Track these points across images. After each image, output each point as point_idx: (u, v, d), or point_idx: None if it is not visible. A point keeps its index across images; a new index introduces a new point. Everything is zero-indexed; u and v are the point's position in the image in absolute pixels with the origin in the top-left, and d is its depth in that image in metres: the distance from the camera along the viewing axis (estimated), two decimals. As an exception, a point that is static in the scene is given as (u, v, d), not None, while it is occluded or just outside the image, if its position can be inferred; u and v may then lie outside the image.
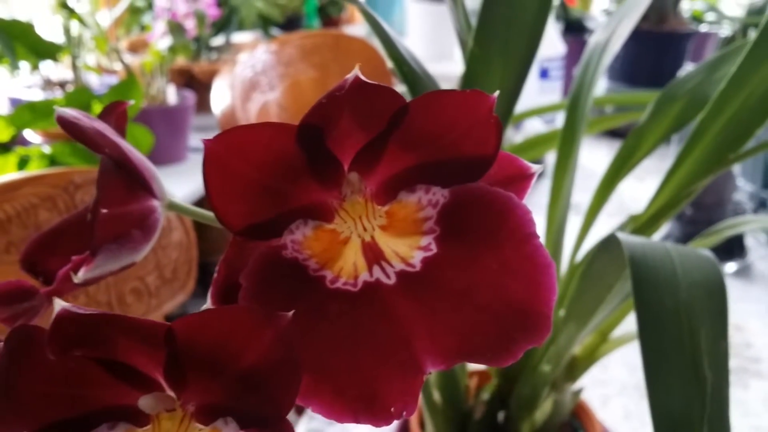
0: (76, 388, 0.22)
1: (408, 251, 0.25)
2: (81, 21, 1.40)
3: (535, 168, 0.25)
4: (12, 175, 0.70)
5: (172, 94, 1.60)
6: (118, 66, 1.62)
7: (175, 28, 1.55)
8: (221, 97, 0.93)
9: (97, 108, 1.35)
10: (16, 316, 0.31)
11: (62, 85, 1.61)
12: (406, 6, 2.02)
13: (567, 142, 0.58)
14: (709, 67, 0.55)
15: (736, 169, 1.10)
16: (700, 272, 0.39)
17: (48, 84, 1.53)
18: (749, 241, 1.15)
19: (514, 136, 1.42)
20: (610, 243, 0.45)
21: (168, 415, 0.23)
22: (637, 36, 1.44)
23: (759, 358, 0.96)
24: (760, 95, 0.46)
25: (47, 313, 0.31)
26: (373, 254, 0.25)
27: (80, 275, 0.28)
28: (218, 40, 1.76)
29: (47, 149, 1.23)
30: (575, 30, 1.70)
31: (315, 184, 0.25)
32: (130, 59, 1.64)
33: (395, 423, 0.67)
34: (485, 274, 0.24)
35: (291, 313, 0.21)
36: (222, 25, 1.72)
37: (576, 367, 0.63)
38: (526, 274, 0.23)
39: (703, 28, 1.49)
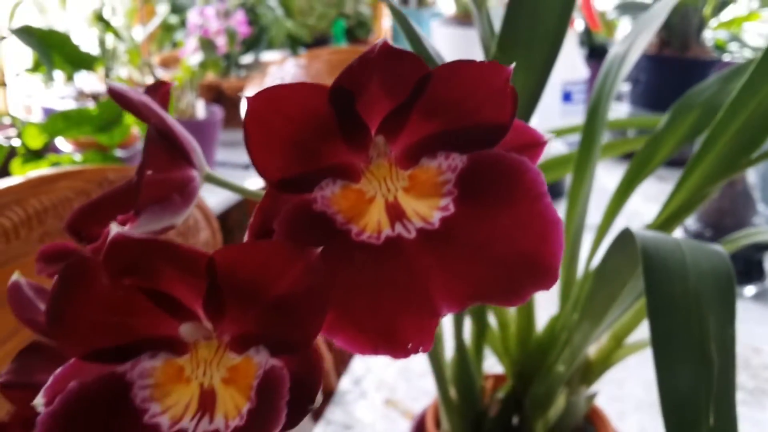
0: (123, 318, 0.24)
1: (428, 211, 0.27)
2: (116, 34, 1.44)
3: (547, 136, 0.27)
4: (50, 169, 0.73)
5: (201, 109, 1.64)
6: (149, 80, 1.66)
7: (207, 44, 1.59)
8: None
9: (129, 119, 1.39)
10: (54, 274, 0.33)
11: (95, 96, 1.65)
12: (432, 31, 2.05)
13: (584, 151, 0.60)
14: (724, 79, 0.56)
15: (757, 193, 1.11)
16: (709, 263, 0.40)
17: (81, 95, 1.57)
18: (768, 266, 1.16)
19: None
20: (624, 239, 0.46)
21: (205, 344, 0.25)
22: (660, 62, 1.46)
23: (775, 380, 0.96)
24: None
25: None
26: (396, 213, 0.27)
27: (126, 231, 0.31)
28: (247, 58, 1.80)
29: (78, 157, 1.27)
30: (599, 55, 1.72)
31: (344, 146, 0.27)
32: (162, 74, 1.68)
33: (412, 421, 0.68)
34: (499, 230, 0.25)
35: (320, 249, 0.23)
36: (252, 44, 1.76)
37: (591, 372, 0.64)
38: (537, 229, 0.25)
39: (726, 57, 1.51)
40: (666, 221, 0.53)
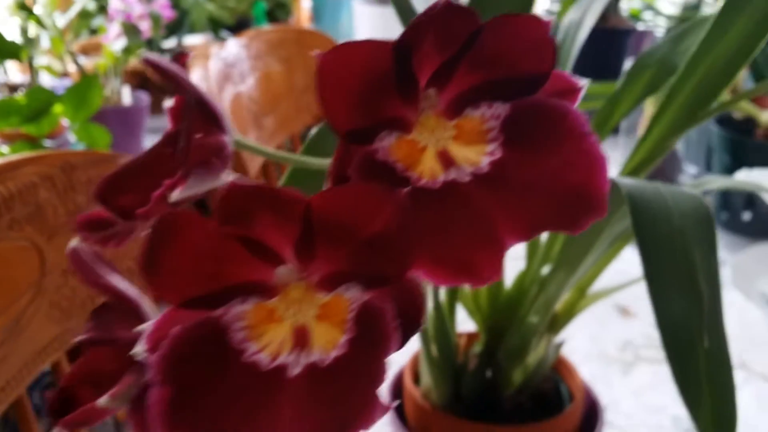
0: (215, 266, 0.26)
1: (476, 157, 0.29)
2: (39, 23, 1.41)
3: (582, 82, 0.30)
4: (12, 156, 0.72)
5: (126, 95, 1.61)
6: (71, 68, 1.62)
7: (130, 29, 1.57)
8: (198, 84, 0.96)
9: (57, 109, 1.36)
10: (105, 239, 0.34)
11: (14, 88, 1.60)
12: (354, 9, 2.07)
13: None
14: (674, 39, 0.61)
15: (681, 152, 1.17)
16: (689, 204, 0.44)
17: (4, 86, 1.52)
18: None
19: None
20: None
21: (294, 285, 0.26)
22: (580, 33, 1.51)
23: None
24: (726, 59, 0.52)
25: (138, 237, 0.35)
26: (446, 160, 0.29)
27: (175, 195, 0.32)
28: (170, 43, 1.78)
29: (5, 149, 1.24)
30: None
31: (399, 99, 0.29)
32: (84, 61, 1.64)
33: (390, 376, 0.71)
34: (548, 168, 0.28)
35: (406, 190, 0.25)
36: (174, 28, 1.74)
37: (556, 322, 0.68)
38: (585, 164, 0.28)
39: (641, 26, 1.58)
40: (632, 172, 0.57)
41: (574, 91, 0.30)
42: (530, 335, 0.63)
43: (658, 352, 0.97)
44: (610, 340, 0.99)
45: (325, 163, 0.38)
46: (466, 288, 0.69)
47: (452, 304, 0.68)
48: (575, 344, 1.00)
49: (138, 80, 1.66)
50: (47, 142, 1.38)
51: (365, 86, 0.27)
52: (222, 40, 2.01)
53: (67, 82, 1.60)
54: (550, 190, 0.28)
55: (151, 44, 1.68)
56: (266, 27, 1.25)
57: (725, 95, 1.06)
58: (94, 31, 1.87)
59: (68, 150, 0.74)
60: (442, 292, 0.67)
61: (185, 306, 0.26)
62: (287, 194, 0.24)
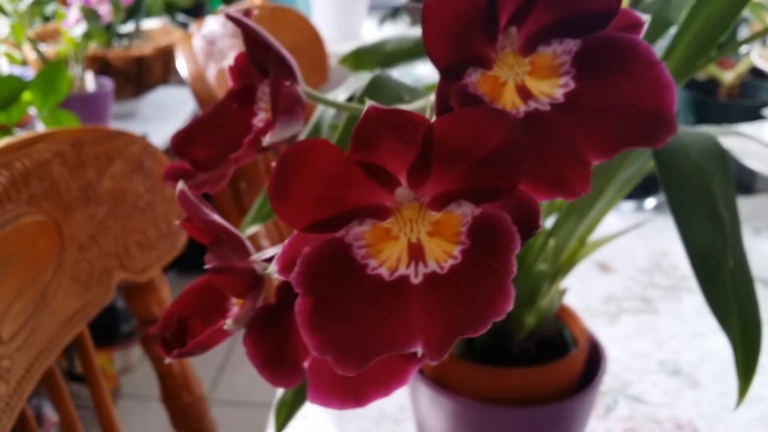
0: (339, 190, 0.28)
1: (550, 89, 0.32)
2: (2, 10, 1.39)
3: (645, 17, 0.34)
4: (26, 132, 0.73)
5: (90, 81, 1.61)
6: (33, 55, 1.61)
7: (90, 14, 1.56)
8: (187, 63, 0.98)
9: (27, 96, 1.35)
10: (199, 184, 0.37)
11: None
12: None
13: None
14: (664, -3, 0.65)
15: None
16: (703, 142, 0.48)
17: (-34, 75, 1.50)
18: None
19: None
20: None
21: (407, 206, 0.29)
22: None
23: (686, 276, 1.08)
24: (721, 10, 0.56)
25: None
26: (525, 93, 0.32)
27: (267, 139, 0.34)
28: (128, 27, 1.77)
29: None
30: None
31: (483, 38, 0.32)
32: (44, 48, 1.63)
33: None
34: (621, 94, 0.31)
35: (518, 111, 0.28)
36: (131, 12, 1.73)
37: (560, 270, 0.72)
38: (656, 88, 0.31)
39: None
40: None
41: (638, 25, 0.34)
42: (540, 282, 0.67)
43: (638, 304, 1.02)
44: (594, 295, 1.03)
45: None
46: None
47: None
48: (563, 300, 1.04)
49: (99, 66, 1.65)
50: (17, 131, 1.37)
51: (461, 25, 0.30)
52: (179, 23, 2.01)
53: (28, 71, 1.59)
54: (626, 112, 0.31)
55: (110, 29, 1.67)
56: (242, 4, 1.26)
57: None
58: (47, 19, 1.84)
59: (79, 127, 0.75)
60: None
61: (310, 230, 0.29)
62: (414, 117, 0.27)
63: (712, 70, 1.22)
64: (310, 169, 0.28)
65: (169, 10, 1.92)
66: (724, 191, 0.46)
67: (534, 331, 0.71)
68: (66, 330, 0.69)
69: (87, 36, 1.58)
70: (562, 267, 0.72)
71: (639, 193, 1.21)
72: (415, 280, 0.29)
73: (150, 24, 1.88)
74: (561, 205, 0.65)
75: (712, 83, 1.26)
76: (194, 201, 0.33)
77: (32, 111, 1.42)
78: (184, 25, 1.98)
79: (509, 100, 0.32)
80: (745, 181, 1.23)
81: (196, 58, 0.97)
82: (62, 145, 0.71)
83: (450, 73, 0.31)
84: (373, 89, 0.44)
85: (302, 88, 0.39)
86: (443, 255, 0.29)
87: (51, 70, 1.36)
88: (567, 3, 0.32)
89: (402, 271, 0.29)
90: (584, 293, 1.04)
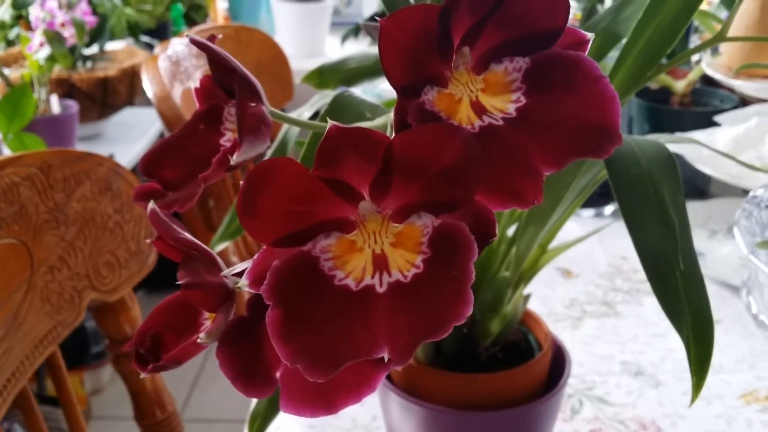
0: (305, 205, 0.30)
1: (504, 105, 0.34)
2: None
3: (589, 35, 0.36)
4: (-9, 157, 0.74)
5: (55, 104, 1.61)
6: (-5, 80, 1.60)
7: (54, 37, 1.56)
8: (152, 84, 0.99)
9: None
10: (169, 204, 0.38)
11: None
12: (273, 6, 2.10)
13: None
14: (616, 9, 0.67)
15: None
16: (652, 149, 0.50)
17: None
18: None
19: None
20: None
21: (371, 218, 0.31)
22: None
23: (645, 280, 1.10)
24: (668, 23, 0.59)
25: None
26: (480, 109, 0.34)
27: (235, 158, 0.36)
28: (92, 50, 1.78)
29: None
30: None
31: (438, 58, 0.34)
32: (7, 72, 1.63)
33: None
34: (569, 109, 0.33)
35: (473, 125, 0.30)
36: (95, 34, 1.74)
37: (522, 277, 0.74)
38: (601, 102, 0.33)
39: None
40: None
41: (583, 43, 0.36)
42: (504, 289, 0.69)
43: (600, 307, 1.04)
44: (557, 300, 1.06)
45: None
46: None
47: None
48: (528, 305, 1.07)
49: (64, 89, 1.65)
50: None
51: (417, 46, 0.32)
52: (143, 44, 2.01)
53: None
54: (574, 125, 0.33)
55: (74, 51, 1.67)
56: (207, 25, 1.27)
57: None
58: (10, 43, 1.84)
59: (45, 150, 0.76)
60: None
61: (278, 244, 0.30)
62: (374, 135, 0.29)
63: (665, 79, 1.26)
64: (276, 186, 0.30)
65: (133, 31, 1.92)
66: (674, 196, 0.48)
67: (499, 336, 0.72)
68: (38, 351, 0.69)
69: (51, 59, 1.58)
70: (525, 274, 0.74)
71: (597, 200, 1.24)
72: (380, 290, 0.30)
73: (115, 46, 1.88)
74: (521, 214, 0.67)
75: (665, 92, 1.29)
76: (165, 220, 0.34)
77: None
78: (149, 46, 1.99)
79: (465, 116, 0.34)
80: (700, 186, 1.26)
81: (162, 78, 0.98)
82: (30, 169, 0.72)
83: (407, 92, 0.33)
84: (335, 107, 0.46)
85: (267, 108, 0.40)
86: (406, 264, 0.31)
87: (15, 94, 1.36)
88: (515, 23, 0.34)
89: (367, 281, 0.31)
90: (548, 298, 1.06)
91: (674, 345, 0.96)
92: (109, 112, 1.74)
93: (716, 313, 1.00)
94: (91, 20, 1.62)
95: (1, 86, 1.58)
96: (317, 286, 0.30)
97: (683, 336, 0.45)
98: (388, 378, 0.73)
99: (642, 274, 1.11)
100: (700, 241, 1.16)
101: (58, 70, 1.67)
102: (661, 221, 0.47)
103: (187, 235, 0.35)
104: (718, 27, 0.78)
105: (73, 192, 0.76)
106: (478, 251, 0.30)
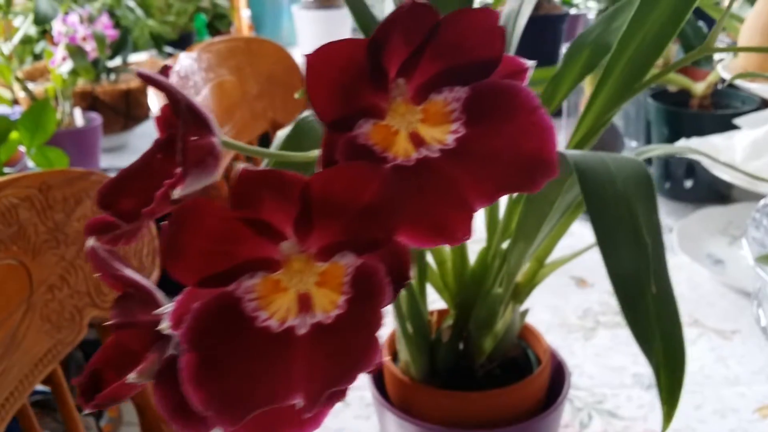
0: (226, 246, 0.30)
1: (442, 135, 0.34)
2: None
3: (529, 63, 0.35)
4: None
5: (78, 117, 1.63)
6: (21, 94, 1.63)
7: (76, 51, 1.59)
8: (158, 99, 1.00)
9: (14, 136, 1.38)
10: (115, 239, 0.38)
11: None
12: (294, 14, 2.10)
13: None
14: (607, 19, 0.66)
15: (621, 128, 1.23)
16: (629, 169, 0.49)
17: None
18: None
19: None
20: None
21: (295, 258, 0.31)
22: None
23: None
24: (654, 34, 0.58)
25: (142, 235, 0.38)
26: (418, 140, 0.34)
27: (177, 192, 0.36)
28: (115, 62, 1.80)
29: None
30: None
31: (372, 90, 0.33)
32: (32, 87, 1.65)
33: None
34: (505, 140, 0.33)
35: (389, 166, 0.29)
36: (118, 47, 1.76)
37: (519, 292, 0.73)
38: (537, 134, 0.32)
39: (573, 10, 1.65)
40: (577, 146, 0.62)
41: (522, 71, 0.35)
42: (497, 305, 0.68)
43: (615, 317, 1.02)
44: (570, 310, 1.04)
45: (302, 156, 0.42)
46: (434, 268, 0.74)
47: (422, 284, 0.72)
48: (539, 316, 1.05)
49: (88, 101, 1.67)
50: (6, 170, 1.39)
51: (345, 79, 0.32)
52: (167, 55, 2.04)
53: (18, 110, 1.61)
54: (509, 157, 0.32)
55: (97, 64, 1.69)
56: (215, 38, 1.28)
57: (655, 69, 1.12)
58: (37, 57, 1.87)
59: (45, 171, 0.77)
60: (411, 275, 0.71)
61: (202, 285, 0.30)
62: (288, 176, 0.28)
63: (684, 81, 1.23)
64: (197, 227, 0.29)
65: (156, 43, 1.94)
66: (649, 217, 0.47)
67: (496, 353, 0.72)
68: (37, 369, 0.70)
69: (74, 73, 1.60)
70: (522, 289, 0.73)
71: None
72: (302, 331, 0.30)
73: (138, 57, 1.90)
74: (510, 231, 0.66)
75: (684, 94, 1.27)
76: (103, 257, 0.34)
77: (22, 148, 1.44)
78: (172, 57, 2.01)
79: (401, 148, 0.33)
80: (721, 191, 1.23)
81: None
82: (29, 190, 0.73)
83: (338, 126, 0.32)
84: (297, 132, 0.46)
85: (218, 138, 0.40)
86: (329, 305, 0.30)
87: (37, 108, 1.38)
88: (451, 53, 0.33)
89: (291, 321, 0.30)
90: (561, 309, 1.05)
91: (688, 357, 0.94)
92: (132, 124, 1.76)
93: (733, 323, 0.98)
94: (112, 33, 1.64)
95: (26, 101, 1.61)
96: (237, 328, 0.30)
97: (653, 363, 0.44)
98: (385, 396, 0.72)
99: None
100: (720, 247, 1.14)
101: (81, 83, 1.69)
102: (635, 243, 0.46)
103: (128, 271, 0.35)
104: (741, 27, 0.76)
105: (73, 211, 0.77)
106: (394, 293, 0.29)
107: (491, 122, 0.33)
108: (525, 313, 0.74)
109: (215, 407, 0.28)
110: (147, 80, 0.37)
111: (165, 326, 0.30)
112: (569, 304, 1.05)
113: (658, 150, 0.70)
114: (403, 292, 0.69)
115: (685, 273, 1.10)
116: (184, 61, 1.06)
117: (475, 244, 0.75)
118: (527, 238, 0.62)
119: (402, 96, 0.34)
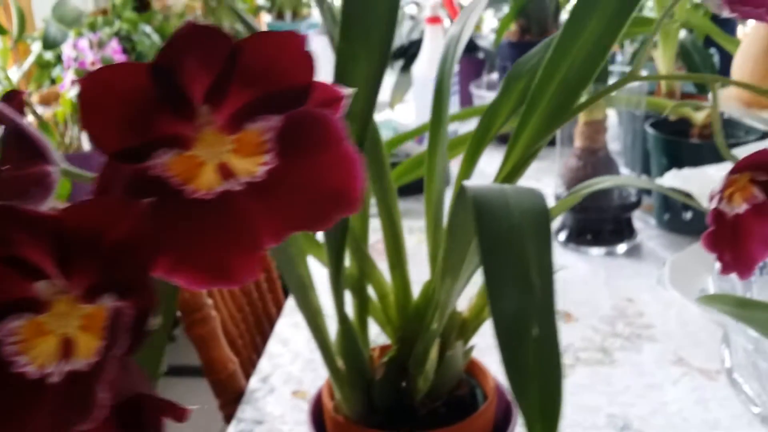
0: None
1: (254, 167, 0.32)
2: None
3: (346, 91, 0.32)
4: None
5: (86, 142, 1.64)
6: (29, 118, 1.65)
7: (84, 75, 1.60)
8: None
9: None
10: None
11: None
12: (311, 41, 2.11)
13: (435, 125, 0.66)
14: (546, 46, 0.63)
15: (618, 158, 1.19)
16: (528, 202, 0.46)
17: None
18: (637, 224, 1.25)
19: (415, 149, 1.50)
20: (463, 195, 0.51)
21: (61, 299, 0.29)
22: (522, 48, 1.54)
23: (650, 325, 1.04)
24: (582, 59, 0.55)
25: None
26: (226, 172, 0.31)
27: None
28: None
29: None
30: (468, 49, 1.81)
31: (170, 117, 0.31)
32: (42, 111, 1.67)
33: (312, 397, 0.72)
34: (315, 172, 0.30)
35: (147, 201, 0.27)
36: (131, 72, 1.77)
37: (466, 328, 0.70)
38: (343, 167, 0.30)
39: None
40: (506, 178, 0.59)
41: (338, 99, 0.33)
42: (431, 342, 0.65)
43: (595, 354, 0.98)
44: (550, 346, 1.00)
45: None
46: (375, 301, 0.71)
47: (362, 318, 0.70)
48: (489, 341, 1.01)
49: (97, 125, 1.69)
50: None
51: (127, 107, 0.30)
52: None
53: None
54: (311, 192, 0.30)
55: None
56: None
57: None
58: (54, 81, 1.90)
59: None
60: (350, 309, 0.69)
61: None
62: (35, 213, 0.26)
63: (684, 110, 1.19)
64: None
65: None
66: (540, 255, 0.44)
67: (437, 390, 0.68)
68: None
69: (82, 96, 1.62)
70: (469, 325, 0.70)
71: (609, 238, 1.18)
72: (54, 379, 0.28)
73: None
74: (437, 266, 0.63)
75: (684, 123, 1.22)
76: None
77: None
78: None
79: (205, 180, 0.31)
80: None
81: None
82: None
83: (125, 157, 0.30)
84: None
85: (55, 167, 0.38)
86: (89, 352, 0.28)
87: (37, 131, 1.40)
88: (259, 80, 0.31)
89: (48, 369, 0.28)
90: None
91: (668, 398, 0.90)
92: (141, 148, 1.77)
93: (719, 363, 0.93)
94: (121, 58, 1.66)
95: (35, 125, 1.63)
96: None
97: (527, 412, 0.40)
98: (321, 432, 0.70)
99: (646, 318, 1.05)
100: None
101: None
102: (522, 284, 0.43)
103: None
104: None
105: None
106: (139, 339, 0.27)
107: (300, 153, 0.31)
108: (470, 350, 0.70)
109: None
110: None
111: None
112: (550, 339, 1.01)
113: (607, 182, 0.67)
114: (339, 327, 0.66)
115: (675, 309, 1.06)
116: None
117: (423, 274, 0.72)
118: (453, 274, 0.59)
119: (211, 125, 0.32)
